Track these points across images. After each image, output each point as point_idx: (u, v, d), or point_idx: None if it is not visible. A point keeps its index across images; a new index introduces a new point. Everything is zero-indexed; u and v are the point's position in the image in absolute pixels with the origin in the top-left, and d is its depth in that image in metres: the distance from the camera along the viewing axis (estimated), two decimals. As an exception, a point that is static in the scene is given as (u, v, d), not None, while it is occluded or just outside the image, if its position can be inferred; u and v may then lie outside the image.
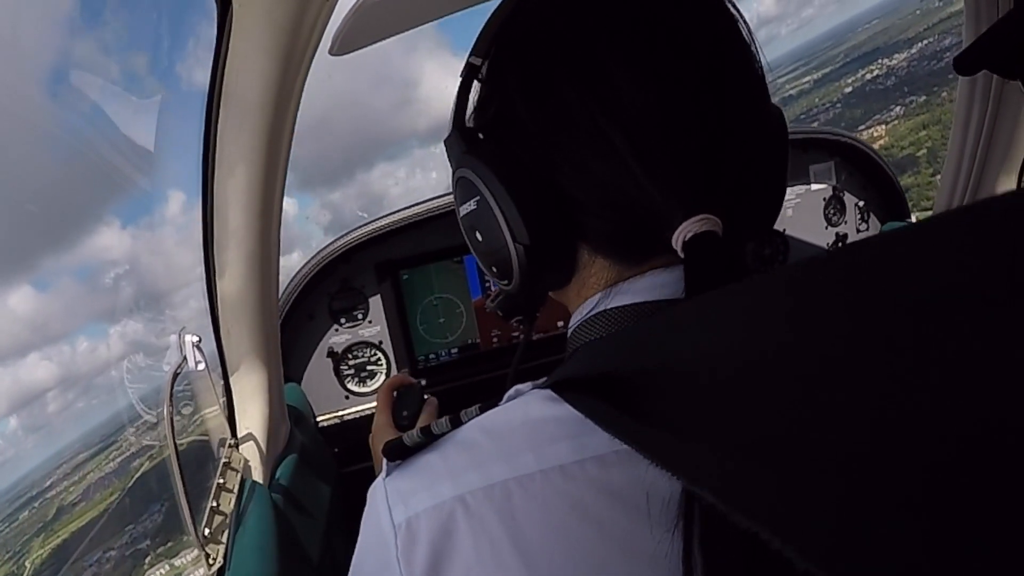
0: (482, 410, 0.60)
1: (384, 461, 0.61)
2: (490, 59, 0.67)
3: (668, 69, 0.57)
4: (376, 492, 0.59)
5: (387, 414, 1.26)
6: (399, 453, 0.60)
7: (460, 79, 0.68)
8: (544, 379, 0.58)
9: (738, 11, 0.63)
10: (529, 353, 1.76)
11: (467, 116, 0.70)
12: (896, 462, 0.26)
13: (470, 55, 0.67)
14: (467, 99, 0.68)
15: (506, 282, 0.67)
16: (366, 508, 0.60)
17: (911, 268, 0.27)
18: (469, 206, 0.67)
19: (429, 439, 0.59)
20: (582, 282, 0.66)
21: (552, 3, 0.62)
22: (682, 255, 0.55)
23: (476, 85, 0.69)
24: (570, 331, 0.66)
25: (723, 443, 0.35)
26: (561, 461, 0.52)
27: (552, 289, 0.70)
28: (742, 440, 0.34)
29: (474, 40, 0.67)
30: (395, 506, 0.56)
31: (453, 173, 0.69)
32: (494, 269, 0.68)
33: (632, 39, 0.58)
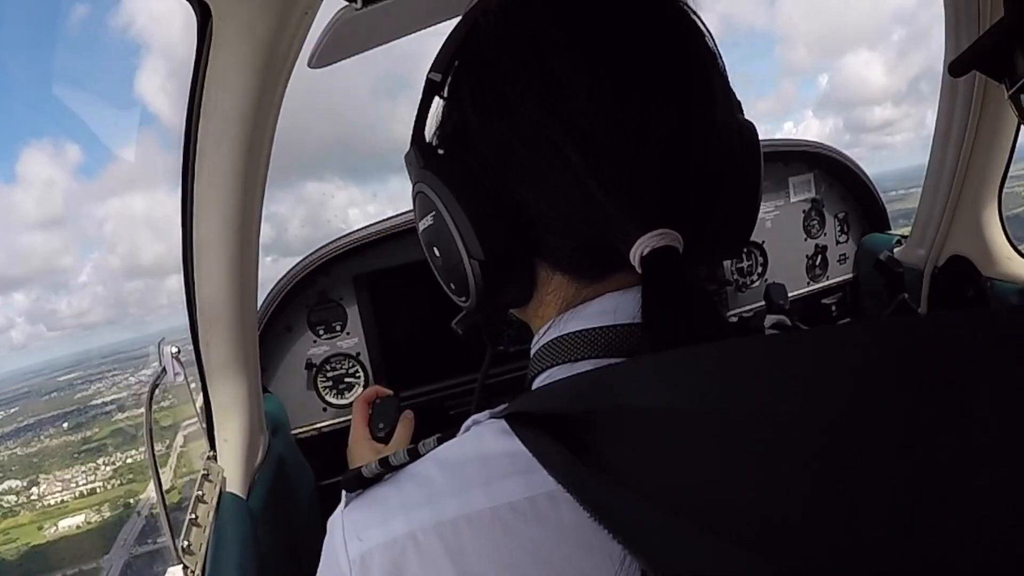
0: (439, 441, 0.60)
1: (343, 492, 0.61)
2: (450, 74, 0.66)
3: (624, 80, 0.57)
4: (334, 524, 0.60)
5: (363, 427, 1.27)
6: (357, 484, 0.59)
7: (421, 95, 0.67)
8: (500, 408, 0.58)
9: (704, 24, 0.63)
10: (503, 363, 1.75)
11: (429, 132, 0.69)
12: (827, 534, 0.27)
13: (430, 71, 0.66)
14: (426, 114, 0.68)
15: (464, 299, 0.67)
16: (326, 538, 0.61)
17: (859, 354, 0.29)
18: (427, 221, 0.66)
19: (386, 470, 0.59)
20: (541, 300, 0.66)
21: (507, 17, 0.62)
22: (640, 271, 0.55)
23: (438, 101, 0.68)
24: (531, 355, 0.66)
25: (661, 498, 0.36)
26: (511, 498, 0.53)
27: (512, 307, 0.70)
28: (680, 497, 0.35)
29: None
30: (350, 540, 0.56)
31: (413, 188, 0.68)
32: (452, 286, 0.68)
33: (586, 50, 0.58)
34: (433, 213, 0.64)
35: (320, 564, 0.61)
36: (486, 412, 0.60)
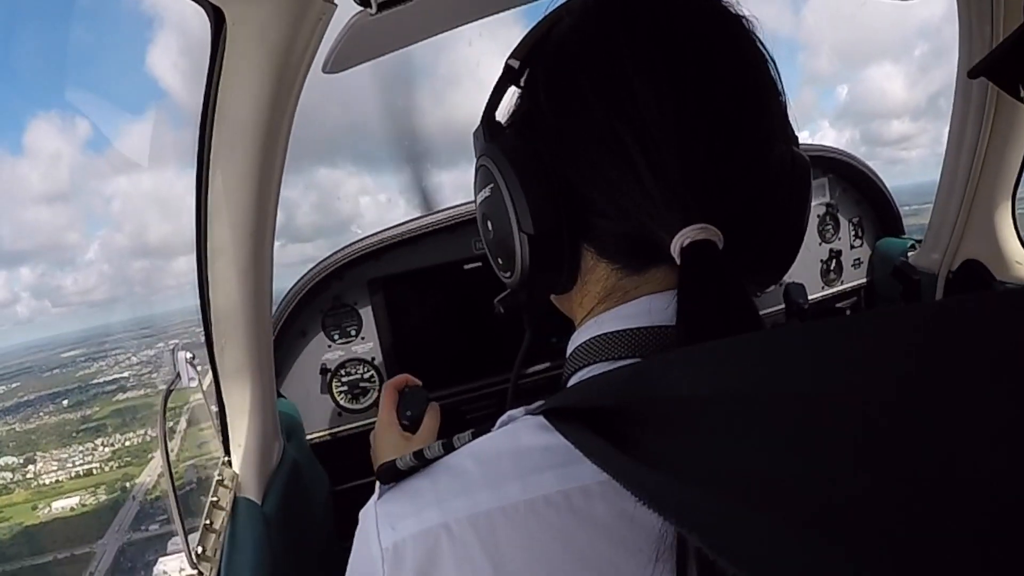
0: (474, 435, 0.60)
1: (377, 484, 0.62)
2: (528, 63, 0.70)
3: (688, 87, 0.59)
4: (367, 514, 0.60)
5: (390, 412, 1.27)
6: (392, 476, 0.60)
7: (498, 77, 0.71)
8: (536, 404, 0.59)
9: (768, 53, 0.65)
10: (528, 364, 1.73)
11: (501, 114, 0.73)
12: (882, 510, 0.27)
13: (509, 57, 0.70)
14: (500, 96, 0.71)
15: (509, 275, 0.69)
16: (358, 529, 0.61)
17: (891, 340, 0.28)
18: (484, 193, 0.70)
19: (421, 463, 0.60)
20: (583, 287, 0.68)
21: (589, 16, 0.65)
22: (679, 261, 0.56)
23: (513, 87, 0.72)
24: (568, 352, 0.67)
25: (710, 482, 0.36)
26: (546, 491, 0.53)
27: (554, 290, 0.71)
28: (729, 481, 0.34)
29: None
30: (383, 529, 0.57)
31: (476, 162, 0.72)
32: (499, 260, 0.70)
33: (658, 56, 0.60)
34: (491, 185, 0.68)
35: (351, 554, 0.62)
36: (521, 408, 0.61)
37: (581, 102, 0.63)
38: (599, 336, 0.63)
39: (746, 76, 0.63)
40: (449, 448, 0.60)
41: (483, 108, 0.72)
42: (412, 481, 0.59)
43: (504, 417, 0.62)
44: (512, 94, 0.72)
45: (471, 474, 0.56)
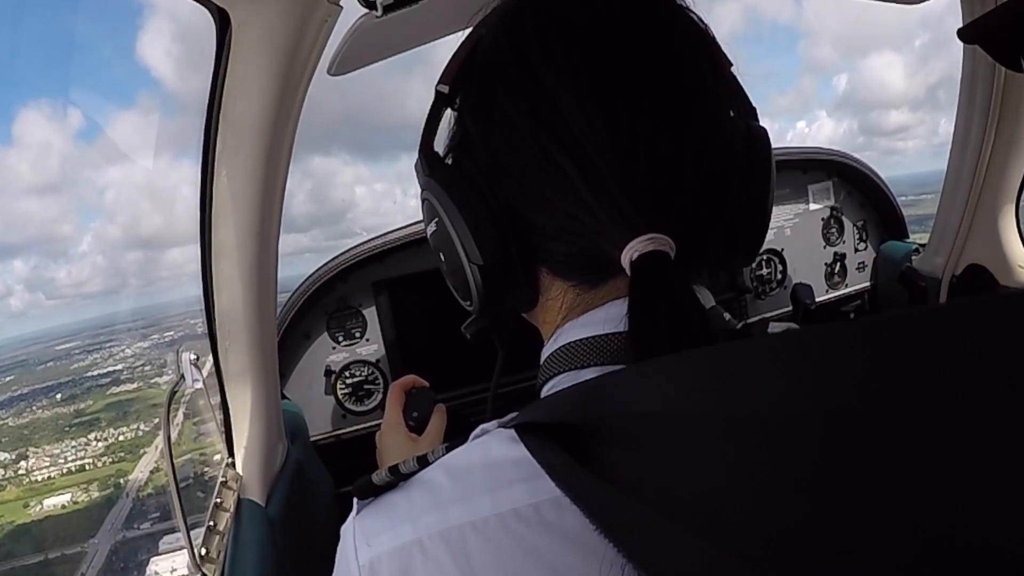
0: (447, 450, 0.60)
1: (355, 500, 0.62)
2: (456, 86, 0.68)
3: (615, 89, 0.58)
4: (346, 530, 0.60)
5: (397, 412, 1.27)
6: (369, 491, 0.60)
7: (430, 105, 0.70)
8: (508, 417, 0.59)
9: (704, 24, 0.63)
10: (522, 371, 1.74)
11: (437, 142, 0.71)
12: (826, 540, 0.26)
13: (438, 82, 0.68)
14: (435, 125, 0.70)
15: (468, 303, 0.69)
16: (339, 545, 0.61)
17: (859, 354, 0.27)
18: (431, 227, 0.69)
19: (397, 478, 0.59)
20: (544, 305, 0.67)
21: (502, 29, 0.64)
22: (629, 274, 0.55)
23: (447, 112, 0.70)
24: (541, 361, 0.67)
25: (657, 504, 0.35)
26: (516, 505, 0.53)
27: (518, 311, 0.71)
28: (674, 503, 0.34)
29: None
30: (360, 546, 0.57)
31: (421, 195, 0.70)
32: (457, 290, 0.70)
33: (577, 60, 0.59)
34: (436, 220, 0.67)
35: (334, 570, 0.61)
36: (494, 422, 0.61)
37: (507, 123, 0.61)
38: (564, 346, 0.62)
39: (679, 60, 0.61)
40: (424, 463, 0.59)
41: (420, 138, 0.70)
42: (389, 496, 0.59)
43: (477, 430, 0.61)
44: (449, 119, 0.70)
45: (443, 488, 0.56)
